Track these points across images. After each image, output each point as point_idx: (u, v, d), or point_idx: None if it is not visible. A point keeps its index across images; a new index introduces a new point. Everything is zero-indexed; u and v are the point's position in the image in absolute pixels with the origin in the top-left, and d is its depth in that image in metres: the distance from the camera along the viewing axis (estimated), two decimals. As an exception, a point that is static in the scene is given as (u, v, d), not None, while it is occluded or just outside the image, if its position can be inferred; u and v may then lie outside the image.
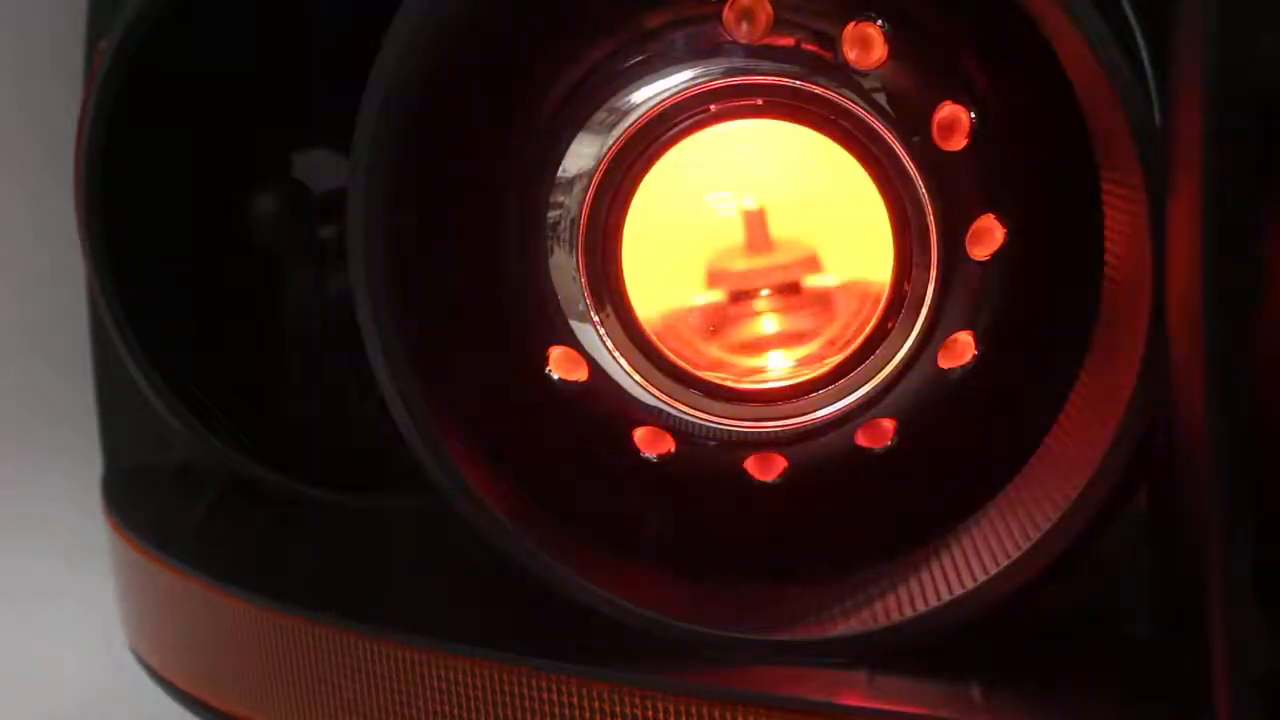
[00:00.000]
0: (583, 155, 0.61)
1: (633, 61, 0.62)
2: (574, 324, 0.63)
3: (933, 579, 0.63)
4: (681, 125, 0.60)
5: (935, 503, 0.65)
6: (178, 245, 0.83)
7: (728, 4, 0.60)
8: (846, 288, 0.62)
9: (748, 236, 0.62)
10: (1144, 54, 0.56)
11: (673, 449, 0.65)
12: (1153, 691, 0.59)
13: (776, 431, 0.63)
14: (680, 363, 0.62)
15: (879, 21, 0.60)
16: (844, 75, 0.60)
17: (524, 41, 0.65)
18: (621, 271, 0.61)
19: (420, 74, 0.61)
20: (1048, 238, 0.63)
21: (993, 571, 0.61)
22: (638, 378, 0.62)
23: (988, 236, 0.61)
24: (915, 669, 0.62)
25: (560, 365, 0.64)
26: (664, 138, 0.60)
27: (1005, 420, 0.65)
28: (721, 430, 0.64)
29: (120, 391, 0.86)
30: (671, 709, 0.63)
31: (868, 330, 0.61)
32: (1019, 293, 0.63)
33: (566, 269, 0.62)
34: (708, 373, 0.63)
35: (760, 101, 0.60)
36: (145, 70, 0.74)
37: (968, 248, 0.61)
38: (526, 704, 0.65)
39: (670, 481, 0.67)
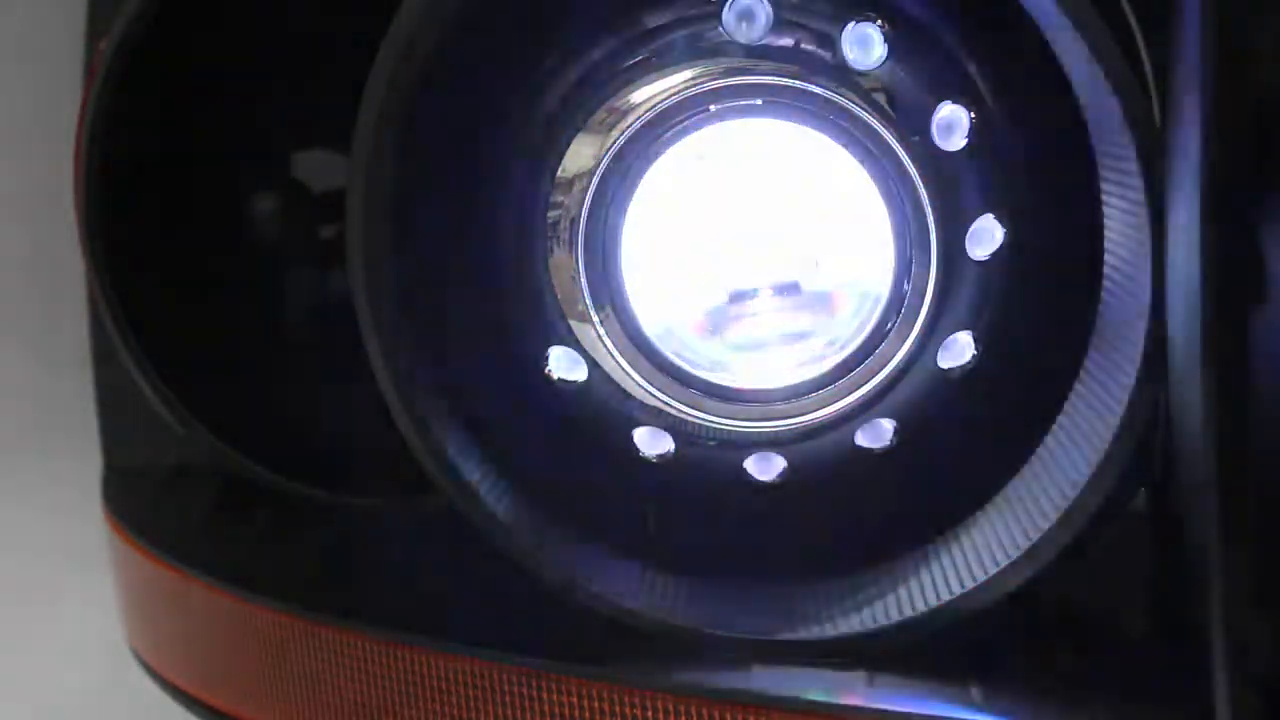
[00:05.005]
0: (583, 155, 0.61)
1: (633, 61, 0.62)
2: (574, 324, 0.63)
3: (933, 579, 0.63)
4: (681, 125, 0.60)
5: (935, 503, 0.66)
6: (178, 246, 0.83)
7: (728, 4, 0.60)
8: (846, 288, 0.62)
9: (748, 236, 0.62)
10: (1144, 54, 0.56)
11: (673, 449, 0.65)
12: (1152, 691, 0.59)
13: (776, 431, 0.63)
14: (680, 363, 0.62)
15: (879, 21, 0.60)
16: (844, 75, 0.60)
17: (524, 41, 0.65)
18: (621, 271, 0.61)
19: (420, 74, 0.61)
20: (1048, 238, 0.63)
21: (993, 571, 0.61)
22: (638, 378, 0.62)
23: (988, 236, 0.61)
24: (915, 669, 0.62)
25: (560, 365, 0.64)
26: (664, 138, 0.60)
27: (1005, 420, 0.65)
28: (721, 430, 0.64)
29: (120, 391, 0.86)
30: (671, 709, 0.63)
31: (868, 330, 0.61)
32: (1019, 293, 0.63)
33: (566, 269, 0.62)
34: (708, 373, 0.62)
35: (760, 101, 0.60)
36: (145, 70, 0.74)
37: (968, 248, 0.61)
38: (526, 704, 0.65)
39: (670, 481, 0.67)
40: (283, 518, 0.81)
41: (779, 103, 0.60)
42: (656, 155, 0.60)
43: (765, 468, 0.65)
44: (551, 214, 0.62)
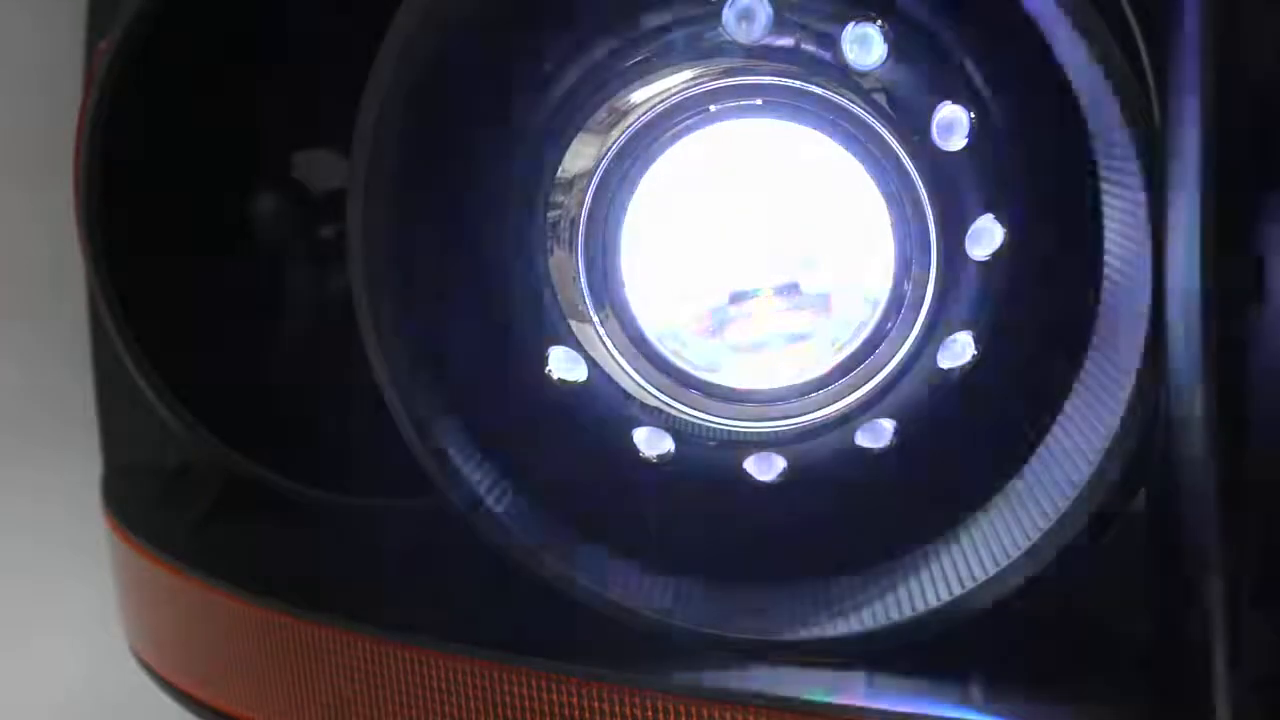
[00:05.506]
0: (583, 155, 0.61)
1: (633, 61, 0.62)
2: (574, 324, 0.63)
3: (933, 579, 0.63)
4: (681, 125, 0.60)
5: (935, 503, 0.65)
6: (178, 245, 0.83)
7: (728, 4, 0.60)
8: (846, 288, 0.62)
9: (748, 236, 0.62)
10: (1144, 54, 0.56)
11: (673, 449, 0.65)
12: (1152, 691, 0.59)
13: (776, 431, 0.63)
14: (680, 363, 0.62)
15: (879, 21, 0.60)
16: (844, 75, 0.60)
17: (524, 41, 0.65)
18: (621, 271, 0.61)
19: (420, 74, 0.61)
20: (1048, 238, 0.63)
21: (993, 571, 0.61)
22: (638, 378, 0.62)
23: (987, 236, 0.61)
24: (915, 669, 0.62)
25: (560, 365, 0.64)
26: (664, 138, 0.60)
27: (1005, 420, 0.65)
28: (721, 430, 0.64)
29: (120, 391, 0.86)
30: (671, 709, 0.63)
31: (868, 330, 0.61)
32: (1019, 293, 0.63)
33: (566, 269, 0.62)
34: (708, 373, 0.62)
35: (760, 101, 0.60)
36: (145, 70, 0.74)
37: (968, 248, 0.61)
38: (526, 704, 0.65)
39: (670, 481, 0.67)
40: (283, 518, 0.81)
41: (779, 103, 0.60)
42: (656, 155, 0.60)
43: (765, 468, 0.65)
44: (551, 214, 0.62)
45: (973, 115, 0.60)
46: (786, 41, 0.60)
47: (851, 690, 0.61)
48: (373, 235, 0.62)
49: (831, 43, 0.60)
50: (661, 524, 0.69)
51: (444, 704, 0.67)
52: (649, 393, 0.63)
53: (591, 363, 0.63)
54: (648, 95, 0.60)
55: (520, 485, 0.67)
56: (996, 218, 0.61)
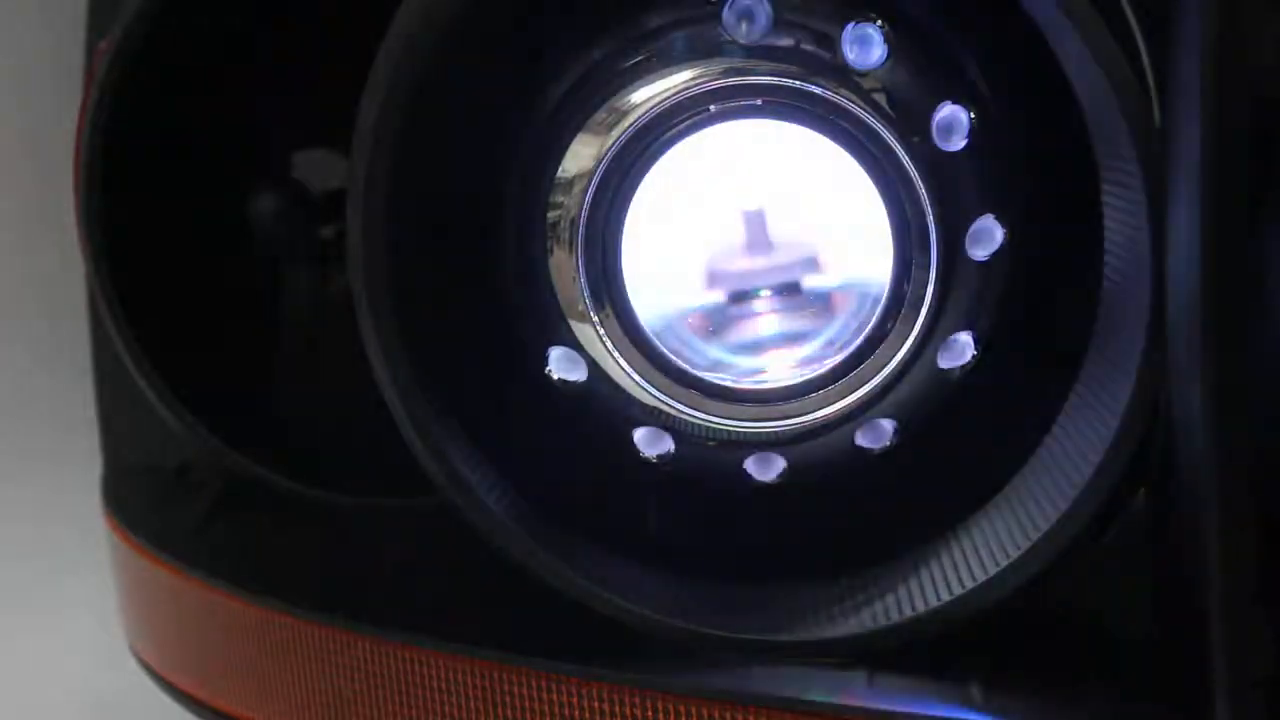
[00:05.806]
0: (583, 155, 0.61)
1: (633, 61, 0.62)
2: (574, 324, 0.63)
3: (933, 579, 0.63)
4: (681, 125, 0.60)
5: (935, 503, 0.66)
6: (178, 245, 0.83)
7: (728, 4, 0.60)
8: (846, 288, 0.62)
9: (748, 236, 0.62)
10: (1144, 54, 0.56)
11: (672, 449, 0.65)
12: (1152, 691, 0.59)
13: (776, 431, 0.63)
14: (680, 363, 0.62)
15: (879, 21, 0.60)
16: (844, 75, 0.60)
17: (524, 42, 0.65)
18: (621, 271, 0.61)
19: (420, 74, 0.61)
20: (1048, 238, 0.63)
21: (993, 571, 0.61)
22: (637, 378, 0.62)
23: (988, 236, 0.61)
24: (915, 669, 0.62)
25: (560, 365, 0.64)
26: (664, 138, 0.60)
27: (1005, 420, 0.65)
28: (721, 430, 0.64)
29: (120, 391, 0.86)
30: (671, 709, 0.63)
31: (868, 330, 0.61)
32: (1019, 293, 0.63)
33: (566, 269, 0.62)
34: (708, 373, 0.62)
35: (760, 101, 0.60)
36: (145, 70, 0.74)
37: (968, 248, 0.61)
38: (526, 704, 0.65)
39: (670, 481, 0.67)
40: (283, 518, 0.81)
41: (779, 103, 0.60)
42: (657, 155, 0.60)
43: (765, 468, 0.65)
44: (551, 214, 0.62)
45: (973, 115, 0.60)
46: (786, 41, 0.60)
47: (851, 690, 0.61)
48: (373, 235, 0.62)
49: (831, 43, 0.60)
50: (661, 524, 0.69)
51: (444, 704, 0.67)
52: (649, 393, 0.63)
53: (591, 363, 0.63)
54: (648, 95, 0.60)
55: (520, 485, 0.67)
56: (996, 218, 0.61)
